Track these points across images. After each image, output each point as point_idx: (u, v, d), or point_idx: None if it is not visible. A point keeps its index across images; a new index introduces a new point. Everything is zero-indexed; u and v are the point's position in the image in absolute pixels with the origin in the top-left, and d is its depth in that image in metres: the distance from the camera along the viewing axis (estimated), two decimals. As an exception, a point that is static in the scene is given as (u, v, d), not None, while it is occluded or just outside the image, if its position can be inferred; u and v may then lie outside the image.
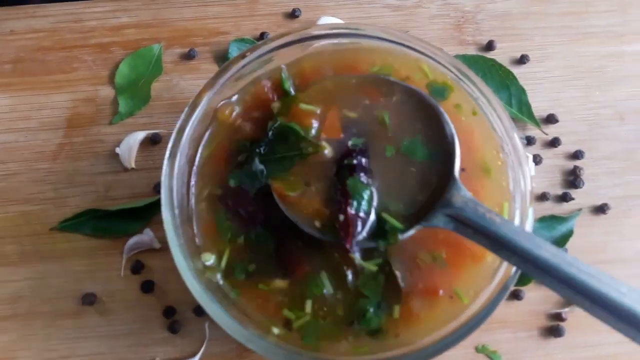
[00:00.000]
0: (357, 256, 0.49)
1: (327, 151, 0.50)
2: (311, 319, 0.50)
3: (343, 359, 0.50)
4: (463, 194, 0.47)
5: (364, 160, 0.49)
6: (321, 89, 0.52)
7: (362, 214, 0.48)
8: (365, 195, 0.48)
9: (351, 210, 0.48)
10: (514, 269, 0.49)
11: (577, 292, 0.41)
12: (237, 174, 0.51)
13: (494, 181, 0.51)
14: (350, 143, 0.50)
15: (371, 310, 0.49)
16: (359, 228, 0.48)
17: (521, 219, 0.50)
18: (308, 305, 0.50)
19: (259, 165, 0.51)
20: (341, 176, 0.49)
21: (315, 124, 0.51)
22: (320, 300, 0.50)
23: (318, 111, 0.51)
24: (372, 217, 0.49)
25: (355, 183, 0.48)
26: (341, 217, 0.48)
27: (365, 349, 0.50)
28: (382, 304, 0.50)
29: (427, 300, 0.50)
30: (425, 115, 0.51)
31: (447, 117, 0.50)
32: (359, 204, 0.48)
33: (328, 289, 0.50)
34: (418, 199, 0.49)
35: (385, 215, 0.48)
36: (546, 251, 0.42)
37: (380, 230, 0.48)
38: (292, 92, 0.53)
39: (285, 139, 0.51)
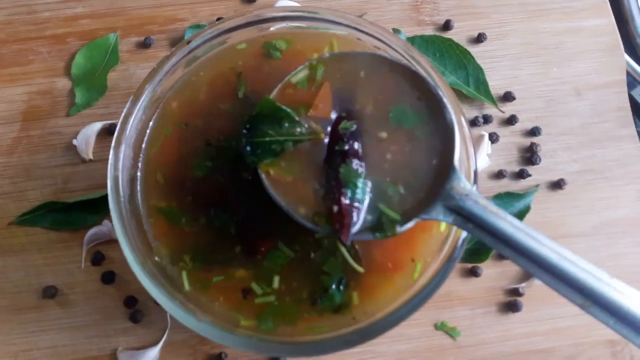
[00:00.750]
0: (318, 231, 0.47)
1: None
2: (275, 300, 0.50)
3: (305, 338, 0.50)
4: (463, 185, 0.45)
5: (356, 144, 0.47)
6: (312, 68, 0.50)
7: (356, 204, 0.46)
8: (360, 184, 0.46)
9: (345, 201, 0.46)
10: (460, 241, 0.49)
11: (577, 291, 0.41)
12: (202, 162, 0.51)
13: None
14: (340, 127, 0.48)
15: (333, 286, 0.49)
16: (355, 219, 0.46)
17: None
18: (275, 281, 0.49)
19: (247, 149, 0.48)
20: (333, 163, 0.47)
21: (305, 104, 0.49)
22: (285, 279, 0.50)
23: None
24: (364, 207, 0.46)
25: (348, 171, 0.46)
26: (335, 208, 0.46)
27: (326, 328, 0.50)
28: (343, 280, 0.50)
29: (384, 274, 0.50)
30: (423, 99, 0.48)
31: (447, 104, 0.48)
32: (354, 193, 0.46)
33: (289, 254, 0.49)
34: (417, 190, 0.46)
35: (382, 207, 0.46)
36: (548, 248, 0.42)
37: (377, 222, 0.46)
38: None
39: (276, 122, 0.48)
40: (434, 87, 0.48)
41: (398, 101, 0.48)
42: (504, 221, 0.43)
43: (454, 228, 0.50)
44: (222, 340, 0.49)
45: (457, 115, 0.51)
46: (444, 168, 0.46)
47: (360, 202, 0.46)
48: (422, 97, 0.48)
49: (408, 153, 0.47)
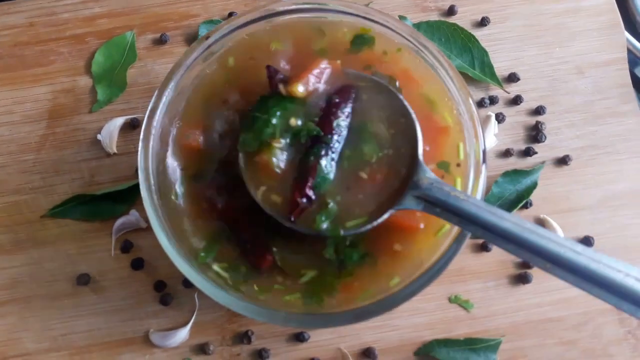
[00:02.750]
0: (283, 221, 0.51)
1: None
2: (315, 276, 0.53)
3: (335, 310, 0.53)
4: (429, 175, 0.50)
5: (337, 142, 0.52)
6: None
7: (314, 196, 0.51)
8: (330, 177, 0.51)
9: (308, 191, 0.50)
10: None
11: (537, 255, 0.44)
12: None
13: (450, 142, 0.55)
14: (334, 123, 0.52)
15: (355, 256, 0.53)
16: (305, 204, 0.50)
17: (475, 176, 0.53)
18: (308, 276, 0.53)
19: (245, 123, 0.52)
20: (316, 152, 0.51)
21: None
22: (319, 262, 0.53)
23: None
24: (331, 201, 0.51)
25: (326, 163, 0.51)
26: (298, 196, 0.50)
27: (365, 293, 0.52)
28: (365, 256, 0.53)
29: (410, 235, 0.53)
30: (389, 105, 0.53)
31: (408, 105, 0.53)
32: (323, 183, 0.51)
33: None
34: (388, 185, 0.51)
35: (331, 206, 0.51)
36: (508, 222, 0.46)
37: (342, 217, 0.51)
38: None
39: (282, 107, 0.52)
40: (395, 91, 0.53)
41: (371, 109, 0.54)
42: (467, 202, 0.47)
43: None
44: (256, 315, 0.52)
45: (465, 97, 0.54)
46: (412, 163, 0.51)
47: (322, 194, 0.51)
48: (389, 104, 0.53)
49: (380, 156, 0.52)
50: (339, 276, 0.52)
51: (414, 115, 0.53)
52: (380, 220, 0.51)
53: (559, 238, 0.45)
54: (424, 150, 0.52)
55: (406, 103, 0.53)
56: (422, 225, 0.53)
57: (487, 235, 0.46)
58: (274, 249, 0.53)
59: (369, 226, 0.51)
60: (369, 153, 0.52)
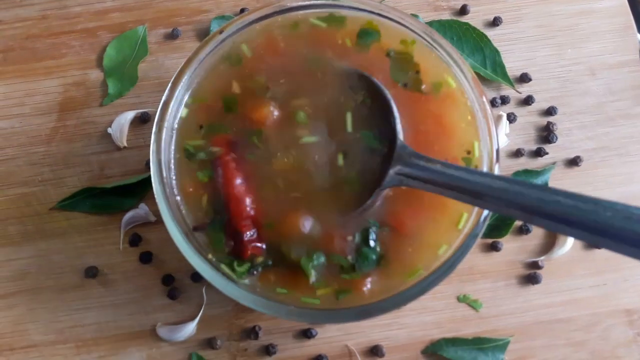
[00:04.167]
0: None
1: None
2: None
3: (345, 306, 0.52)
4: (408, 151, 0.51)
5: None
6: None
7: None
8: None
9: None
10: (482, 218, 0.52)
11: (524, 211, 0.43)
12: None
13: (461, 140, 0.54)
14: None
15: (371, 241, 0.53)
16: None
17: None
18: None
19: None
20: None
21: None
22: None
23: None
24: None
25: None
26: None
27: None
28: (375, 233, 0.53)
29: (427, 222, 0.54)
30: (362, 88, 0.54)
31: (383, 87, 0.54)
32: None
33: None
34: (374, 167, 0.52)
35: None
36: (483, 177, 0.46)
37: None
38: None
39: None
40: (368, 75, 0.55)
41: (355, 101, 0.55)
42: (447, 169, 0.47)
43: (475, 207, 0.53)
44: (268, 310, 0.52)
45: (479, 96, 0.54)
46: (393, 143, 0.51)
47: None
48: (365, 91, 0.55)
49: (367, 142, 0.53)
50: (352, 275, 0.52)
51: (388, 95, 0.53)
52: (368, 202, 0.51)
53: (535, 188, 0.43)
54: (437, 148, 0.52)
55: (377, 82, 0.54)
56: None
57: (470, 198, 0.46)
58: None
59: (359, 209, 0.52)
60: (353, 138, 0.53)
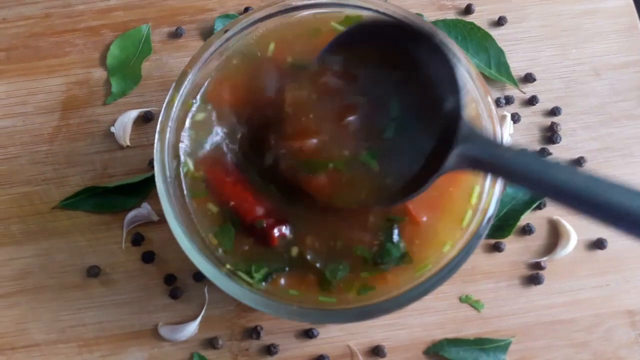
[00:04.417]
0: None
1: None
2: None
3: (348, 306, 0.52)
4: (475, 131, 0.45)
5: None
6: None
7: None
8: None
9: None
10: (486, 218, 0.52)
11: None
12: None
13: None
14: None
15: (394, 237, 0.52)
16: None
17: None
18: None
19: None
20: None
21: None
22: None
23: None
24: None
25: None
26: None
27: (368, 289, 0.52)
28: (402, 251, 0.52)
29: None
30: (422, 57, 0.49)
31: (449, 53, 0.47)
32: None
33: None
34: (426, 149, 0.47)
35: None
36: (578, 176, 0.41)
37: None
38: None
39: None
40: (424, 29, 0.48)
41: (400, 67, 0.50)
42: (516, 156, 0.43)
43: (482, 204, 0.52)
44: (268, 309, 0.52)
45: (484, 95, 0.54)
46: (453, 121, 0.45)
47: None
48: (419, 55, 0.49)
49: (419, 117, 0.49)
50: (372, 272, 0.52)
51: (454, 62, 0.46)
52: (424, 187, 0.46)
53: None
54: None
55: (448, 52, 0.47)
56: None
57: (538, 189, 0.43)
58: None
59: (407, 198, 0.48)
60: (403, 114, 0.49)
